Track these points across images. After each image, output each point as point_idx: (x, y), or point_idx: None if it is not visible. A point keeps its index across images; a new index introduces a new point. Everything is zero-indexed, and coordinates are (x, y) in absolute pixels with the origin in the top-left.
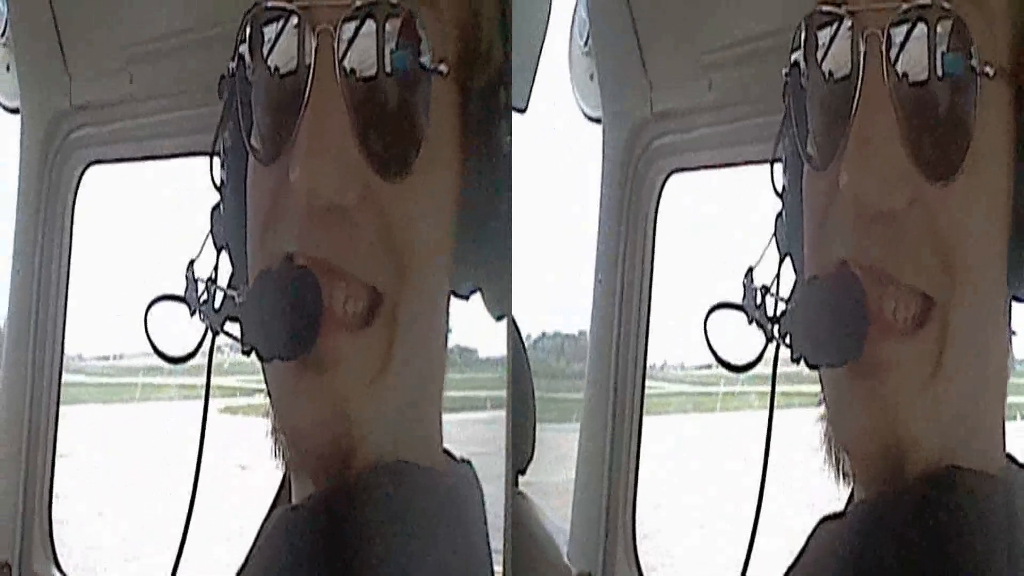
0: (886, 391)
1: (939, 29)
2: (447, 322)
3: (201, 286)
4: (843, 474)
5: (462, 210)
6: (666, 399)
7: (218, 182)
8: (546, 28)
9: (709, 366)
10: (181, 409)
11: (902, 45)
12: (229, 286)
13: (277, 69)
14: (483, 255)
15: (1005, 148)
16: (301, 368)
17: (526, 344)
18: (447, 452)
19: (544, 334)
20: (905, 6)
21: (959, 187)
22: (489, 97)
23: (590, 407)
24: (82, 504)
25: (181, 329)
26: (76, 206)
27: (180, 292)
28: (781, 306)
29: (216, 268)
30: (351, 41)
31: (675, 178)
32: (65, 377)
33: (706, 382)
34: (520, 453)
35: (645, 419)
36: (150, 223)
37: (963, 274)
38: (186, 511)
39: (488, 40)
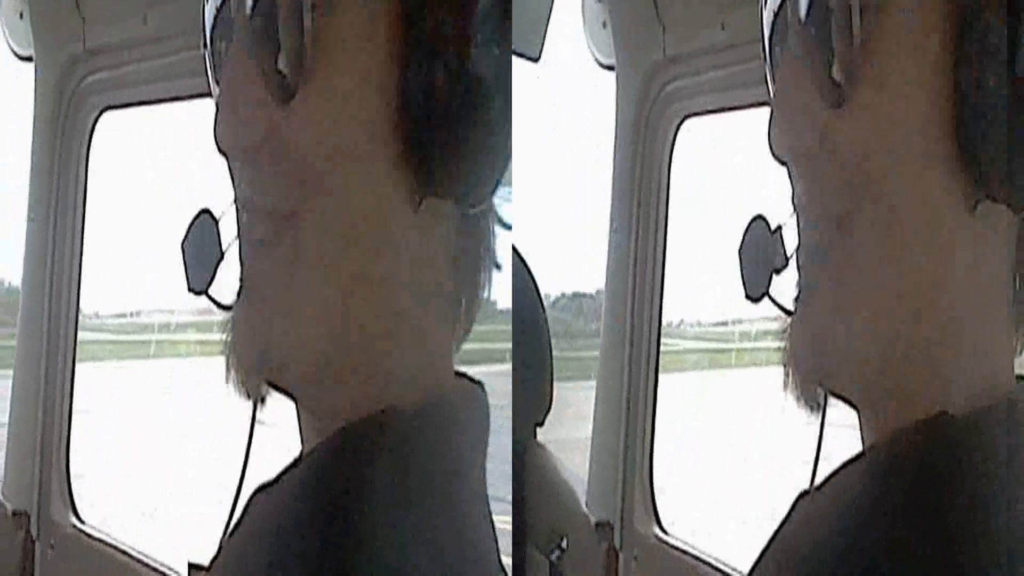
0: (811, 317)
1: None
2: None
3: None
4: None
5: (409, 106)
6: (683, 356)
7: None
8: None
9: (724, 323)
10: (196, 365)
11: None
12: None
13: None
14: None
15: (934, 42)
16: (235, 301)
17: (545, 304)
18: (459, 373)
19: (563, 294)
20: None
21: (856, 108)
22: None
23: (606, 361)
24: (99, 458)
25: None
26: (91, 153)
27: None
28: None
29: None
30: None
31: (689, 123)
32: (81, 335)
33: (722, 339)
34: (538, 405)
35: (662, 376)
36: (166, 168)
37: (872, 191)
38: (241, 465)
39: None
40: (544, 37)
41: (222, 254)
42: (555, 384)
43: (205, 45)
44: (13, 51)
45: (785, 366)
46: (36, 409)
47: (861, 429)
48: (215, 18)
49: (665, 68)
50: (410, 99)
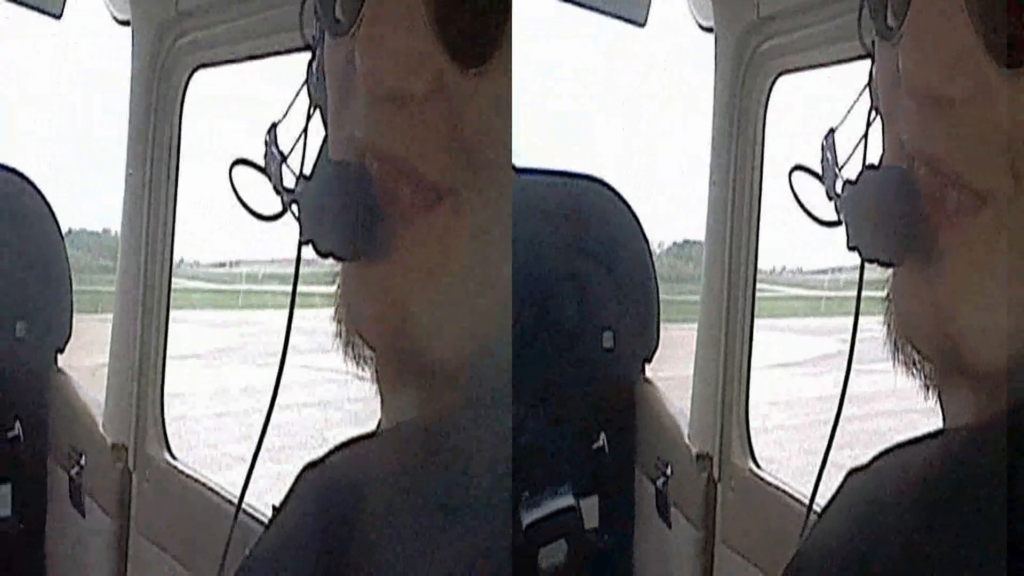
0: (940, 281)
1: None
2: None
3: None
4: (912, 367)
5: None
6: (781, 303)
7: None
8: None
9: (825, 271)
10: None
11: None
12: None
13: None
14: None
15: None
16: (363, 262)
17: (658, 251)
18: None
19: (675, 242)
20: None
21: None
22: None
23: (706, 306)
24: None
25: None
26: (184, 110)
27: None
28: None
29: (305, 131)
30: None
31: (783, 80)
32: (179, 283)
33: (818, 286)
34: (646, 344)
35: (762, 321)
36: (256, 123)
37: None
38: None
39: None
40: (649, 2)
41: (373, 215)
42: (668, 325)
43: None
44: (113, 16)
45: (891, 331)
46: (133, 352)
47: (943, 405)
48: None
49: (759, 27)
50: None
